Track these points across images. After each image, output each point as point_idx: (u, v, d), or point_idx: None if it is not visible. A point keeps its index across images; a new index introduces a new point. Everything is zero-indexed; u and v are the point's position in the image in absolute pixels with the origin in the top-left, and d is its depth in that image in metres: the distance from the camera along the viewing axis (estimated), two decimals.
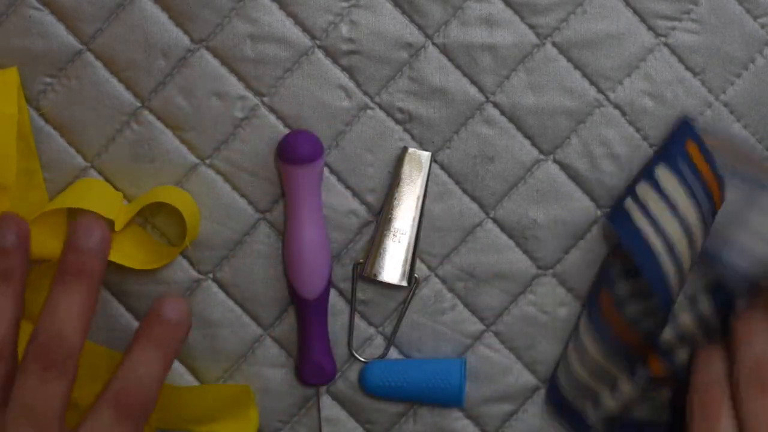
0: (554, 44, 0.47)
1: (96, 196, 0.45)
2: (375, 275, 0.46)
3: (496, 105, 0.47)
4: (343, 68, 0.47)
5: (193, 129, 0.47)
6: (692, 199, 0.43)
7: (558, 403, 0.47)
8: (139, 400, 0.39)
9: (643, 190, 0.44)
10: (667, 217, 0.43)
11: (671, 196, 0.43)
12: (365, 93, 0.47)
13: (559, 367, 0.47)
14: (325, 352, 0.46)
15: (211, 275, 0.47)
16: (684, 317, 0.44)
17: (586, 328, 0.46)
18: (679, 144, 0.44)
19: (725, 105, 0.47)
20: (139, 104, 0.47)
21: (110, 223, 0.43)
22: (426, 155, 0.46)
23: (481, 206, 0.47)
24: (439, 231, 0.47)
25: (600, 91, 0.47)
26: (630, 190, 0.45)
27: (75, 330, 0.39)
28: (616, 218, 0.44)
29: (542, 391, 0.48)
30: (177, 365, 0.47)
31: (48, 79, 0.46)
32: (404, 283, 0.46)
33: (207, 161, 0.47)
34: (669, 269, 0.43)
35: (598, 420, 0.45)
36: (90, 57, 0.46)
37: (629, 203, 0.44)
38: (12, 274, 0.41)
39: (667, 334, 0.43)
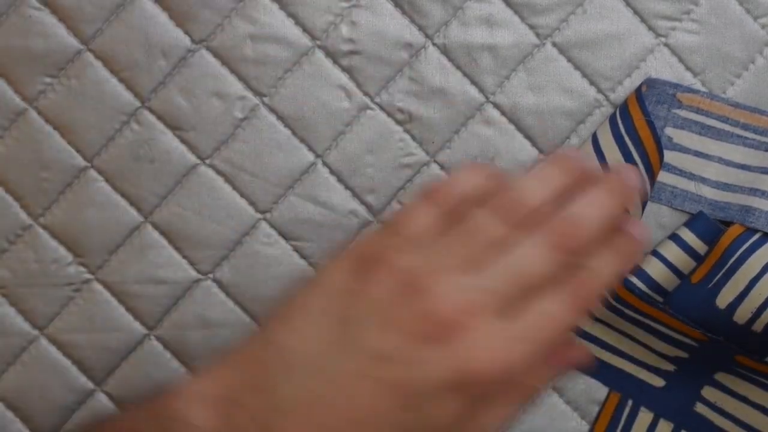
0: (554, 44, 0.47)
1: None
2: None
3: (496, 105, 0.47)
4: (344, 68, 0.47)
5: (193, 129, 0.47)
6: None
7: None
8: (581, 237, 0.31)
9: (587, 153, 0.46)
10: None
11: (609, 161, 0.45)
12: (365, 93, 0.47)
13: None
14: None
15: (211, 275, 0.47)
16: (669, 251, 0.46)
17: None
18: (623, 108, 0.46)
19: None
20: (139, 104, 0.47)
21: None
22: None
23: None
24: None
25: (600, 91, 0.47)
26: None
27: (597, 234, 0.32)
28: None
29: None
30: (176, 365, 0.47)
31: (48, 79, 0.46)
32: None
33: (207, 161, 0.47)
34: None
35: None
36: (90, 57, 0.46)
37: None
38: None
39: (657, 269, 0.46)
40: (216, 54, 0.46)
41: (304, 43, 0.47)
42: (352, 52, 0.47)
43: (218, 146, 0.47)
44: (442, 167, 0.47)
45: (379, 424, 0.29)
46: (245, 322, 0.47)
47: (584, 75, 0.47)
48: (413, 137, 0.47)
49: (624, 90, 0.47)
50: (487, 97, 0.47)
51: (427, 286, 0.29)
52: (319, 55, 0.47)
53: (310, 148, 0.47)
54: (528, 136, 0.47)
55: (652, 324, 0.45)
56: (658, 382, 0.46)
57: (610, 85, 0.47)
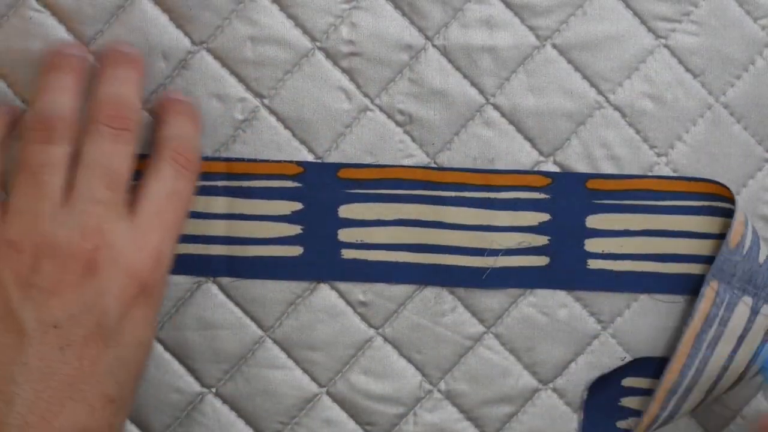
0: (554, 46, 0.47)
1: None
2: None
3: (496, 107, 0.47)
4: (344, 70, 0.47)
5: None
6: None
7: None
8: (195, 155, 0.44)
9: None
10: None
11: None
12: (365, 95, 0.47)
13: None
14: None
15: (211, 276, 0.47)
16: None
17: None
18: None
19: (725, 107, 0.47)
20: None
21: None
22: None
23: None
24: None
25: (600, 92, 0.47)
26: None
27: (137, 98, 0.44)
28: None
29: (542, 393, 0.48)
30: (177, 366, 0.47)
31: None
32: None
33: None
34: None
35: None
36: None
37: None
38: None
39: None
40: (216, 56, 0.46)
41: (304, 45, 0.47)
42: (352, 54, 0.47)
43: (218, 147, 0.47)
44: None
45: None
46: (245, 323, 0.47)
47: (584, 76, 0.47)
48: (413, 139, 0.47)
49: (624, 91, 0.47)
50: (487, 99, 0.47)
51: None
52: (319, 56, 0.47)
53: (311, 150, 0.47)
54: (528, 138, 0.47)
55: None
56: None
57: (611, 87, 0.47)
